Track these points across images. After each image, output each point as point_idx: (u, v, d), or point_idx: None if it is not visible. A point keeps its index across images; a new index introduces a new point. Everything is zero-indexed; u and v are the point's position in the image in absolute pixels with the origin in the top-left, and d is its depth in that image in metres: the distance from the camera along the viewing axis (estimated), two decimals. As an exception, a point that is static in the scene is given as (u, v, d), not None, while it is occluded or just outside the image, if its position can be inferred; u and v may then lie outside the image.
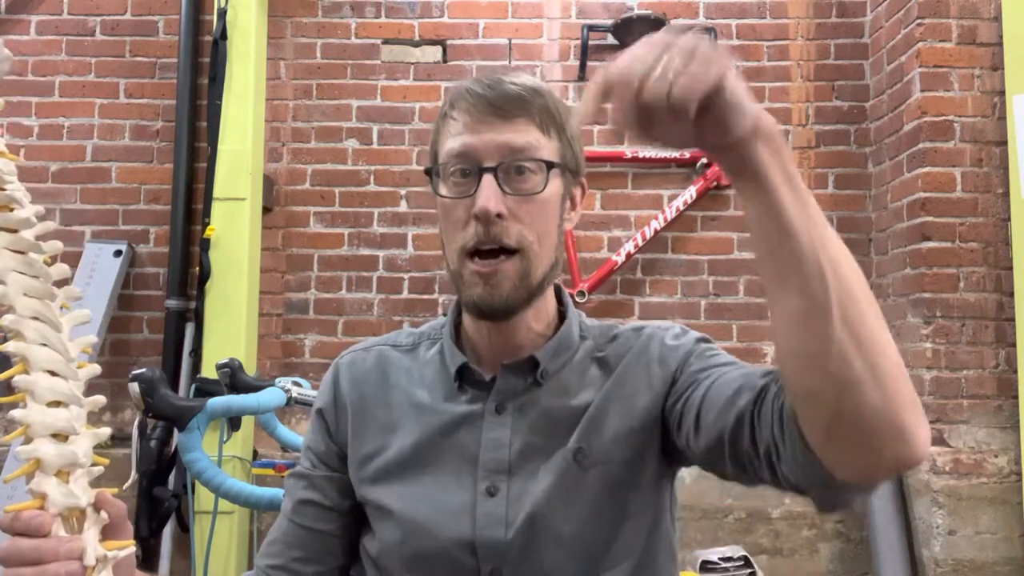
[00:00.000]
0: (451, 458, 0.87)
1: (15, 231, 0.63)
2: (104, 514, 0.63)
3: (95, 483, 0.63)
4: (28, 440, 0.60)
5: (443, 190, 0.86)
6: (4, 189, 0.63)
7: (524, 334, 0.90)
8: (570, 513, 0.84)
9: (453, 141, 0.85)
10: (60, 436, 0.61)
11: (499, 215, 0.82)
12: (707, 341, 0.93)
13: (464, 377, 0.90)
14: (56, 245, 0.65)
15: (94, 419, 0.65)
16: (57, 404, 0.62)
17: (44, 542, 0.59)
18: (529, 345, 0.90)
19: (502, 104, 0.84)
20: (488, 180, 0.82)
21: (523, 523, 0.83)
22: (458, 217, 0.84)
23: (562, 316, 0.94)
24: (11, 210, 0.63)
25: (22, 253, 0.63)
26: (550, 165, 0.85)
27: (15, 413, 0.60)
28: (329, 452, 0.94)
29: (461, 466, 0.86)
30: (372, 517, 0.90)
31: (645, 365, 0.89)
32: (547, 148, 0.86)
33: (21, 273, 0.63)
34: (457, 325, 0.94)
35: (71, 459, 0.60)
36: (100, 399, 0.65)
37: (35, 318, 0.62)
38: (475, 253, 0.83)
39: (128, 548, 0.64)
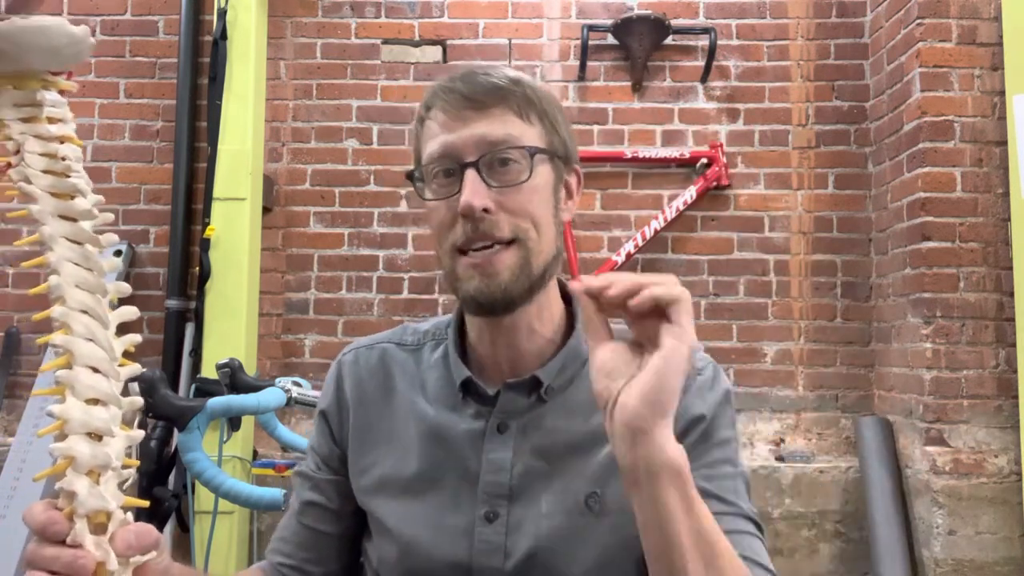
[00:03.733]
0: (451, 476, 0.84)
1: (75, 220, 0.62)
2: (129, 516, 0.62)
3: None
4: (63, 437, 0.59)
5: (428, 194, 0.83)
6: (69, 176, 0.62)
7: (527, 337, 0.85)
8: (576, 556, 0.81)
9: (432, 143, 0.81)
10: (95, 435, 0.59)
11: (486, 210, 0.78)
12: (731, 411, 0.87)
13: (468, 389, 0.86)
14: (112, 238, 0.64)
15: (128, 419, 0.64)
16: (96, 402, 0.60)
17: (61, 553, 0.58)
18: (534, 352, 0.86)
19: (476, 96, 0.80)
20: (471, 175, 0.78)
21: (523, 556, 0.80)
22: (445, 217, 0.81)
23: (571, 323, 0.89)
24: (73, 199, 0.62)
25: (79, 244, 0.62)
26: (533, 152, 0.81)
27: (53, 408, 0.59)
28: (332, 455, 0.92)
29: (461, 486, 0.83)
30: (372, 526, 0.89)
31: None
32: (529, 135, 0.82)
33: (76, 264, 0.61)
34: (462, 331, 0.90)
35: (104, 461, 0.59)
36: (138, 400, 0.64)
37: (84, 312, 0.61)
38: (467, 250, 0.80)
39: (149, 555, 0.63)
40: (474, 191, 0.77)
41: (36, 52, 0.61)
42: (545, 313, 0.86)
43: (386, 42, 3.09)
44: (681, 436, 0.82)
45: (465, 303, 0.82)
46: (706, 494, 0.79)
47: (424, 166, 0.83)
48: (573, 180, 0.89)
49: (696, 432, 0.83)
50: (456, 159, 0.80)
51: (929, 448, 2.52)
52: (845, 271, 2.97)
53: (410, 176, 0.85)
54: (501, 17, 3.08)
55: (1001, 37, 2.56)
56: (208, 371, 2.58)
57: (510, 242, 0.79)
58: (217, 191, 2.81)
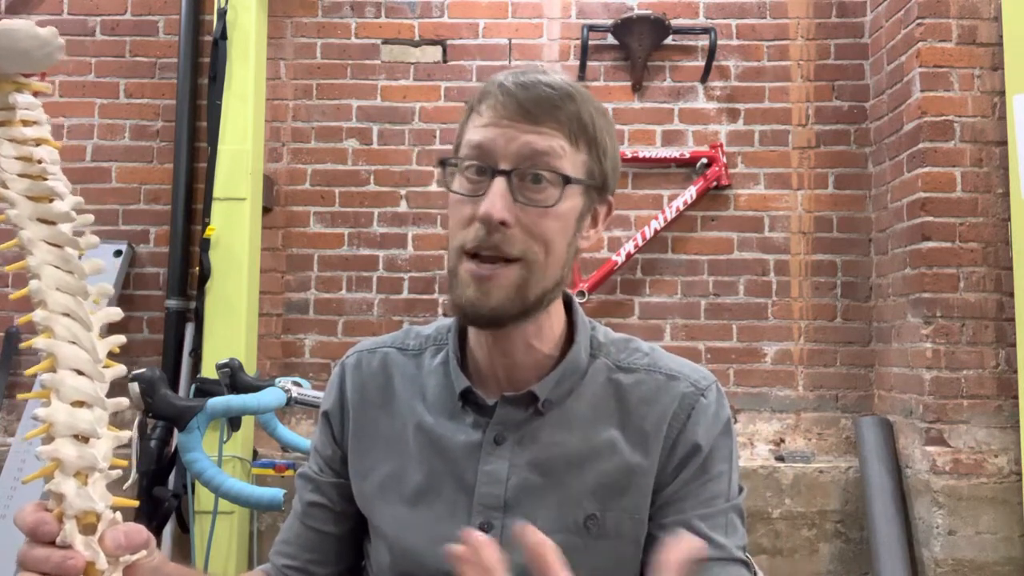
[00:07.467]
0: (448, 486, 0.84)
1: (53, 224, 0.62)
2: (119, 515, 0.62)
3: (110, 486, 0.62)
4: (49, 440, 0.59)
5: (456, 185, 0.81)
6: (46, 179, 0.62)
7: (524, 352, 0.85)
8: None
9: (474, 133, 0.80)
10: (81, 437, 0.60)
11: (503, 223, 0.76)
12: (730, 441, 0.86)
13: (467, 399, 0.86)
14: (92, 240, 0.64)
15: (114, 419, 0.64)
16: (81, 404, 0.60)
17: (51, 554, 0.59)
18: (532, 366, 0.85)
19: (531, 107, 0.78)
20: (499, 184, 0.77)
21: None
22: (464, 214, 0.80)
23: (571, 334, 0.88)
24: (51, 202, 0.62)
25: (59, 247, 0.61)
26: (567, 180, 0.79)
27: (39, 411, 0.59)
28: (335, 457, 0.93)
29: (457, 496, 0.84)
30: (370, 529, 0.90)
31: (672, 442, 0.83)
32: (571, 161, 0.80)
33: (56, 268, 0.61)
34: (463, 337, 0.89)
35: (91, 462, 0.59)
36: (124, 401, 0.64)
37: (66, 315, 0.61)
38: (474, 255, 0.78)
39: (139, 554, 0.64)
40: (496, 201, 0.76)
41: (5, 56, 0.60)
42: (545, 331, 0.85)
43: (386, 42, 3.09)
44: (679, 467, 0.83)
45: (455, 308, 0.81)
46: (699, 535, 0.79)
47: (459, 158, 0.82)
48: (603, 210, 0.87)
49: (693, 465, 0.83)
50: (491, 161, 0.78)
51: (929, 448, 2.52)
52: (845, 271, 2.97)
53: (443, 162, 0.84)
54: (501, 17, 3.08)
55: (1001, 37, 2.56)
56: (208, 371, 2.58)
57: (516, 260, 0.78)
58: (217, 191, 2.81)
